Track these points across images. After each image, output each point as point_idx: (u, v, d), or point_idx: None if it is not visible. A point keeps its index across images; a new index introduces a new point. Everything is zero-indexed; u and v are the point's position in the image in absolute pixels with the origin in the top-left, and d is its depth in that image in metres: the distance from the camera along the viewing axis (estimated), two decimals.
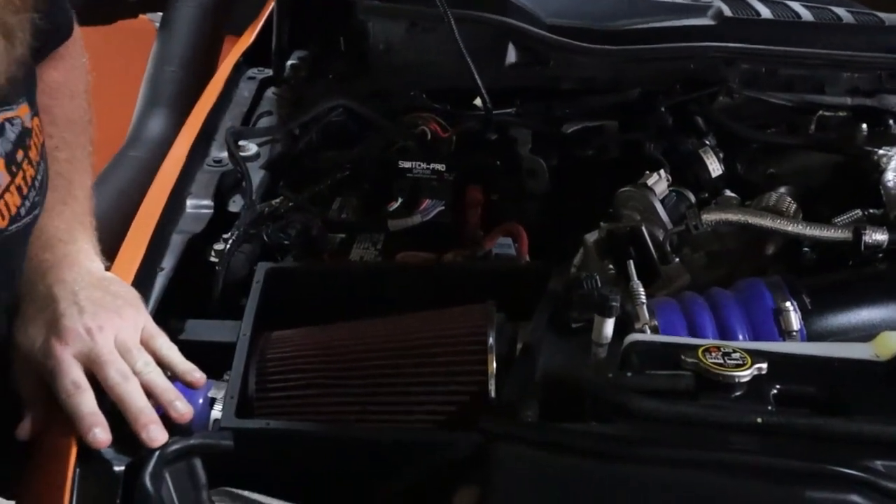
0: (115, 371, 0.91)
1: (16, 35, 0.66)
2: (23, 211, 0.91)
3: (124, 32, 2.26)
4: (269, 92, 1.65)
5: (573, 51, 1.59)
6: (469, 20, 1.61)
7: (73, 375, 0.90)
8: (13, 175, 0.89)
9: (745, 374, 0.85)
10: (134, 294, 1.00)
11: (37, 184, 0.93)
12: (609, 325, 0.96)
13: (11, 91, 0.88)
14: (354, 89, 1.63)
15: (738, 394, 0.85)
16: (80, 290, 0.95)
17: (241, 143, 1.45)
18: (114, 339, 0.93)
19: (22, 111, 0.91)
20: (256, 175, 1.40)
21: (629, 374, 0.89)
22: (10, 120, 0.89)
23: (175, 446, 0.86)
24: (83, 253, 1.00)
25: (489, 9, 1.63)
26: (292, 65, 1.75)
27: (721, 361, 0.86)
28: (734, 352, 0.88)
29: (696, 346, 0.89)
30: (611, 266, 1.21)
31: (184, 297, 1.15)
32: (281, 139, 1.50)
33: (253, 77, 1.68)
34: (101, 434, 0.87)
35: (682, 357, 0.87)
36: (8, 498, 0.91)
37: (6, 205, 0.88)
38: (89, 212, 1.07)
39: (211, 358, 1.05)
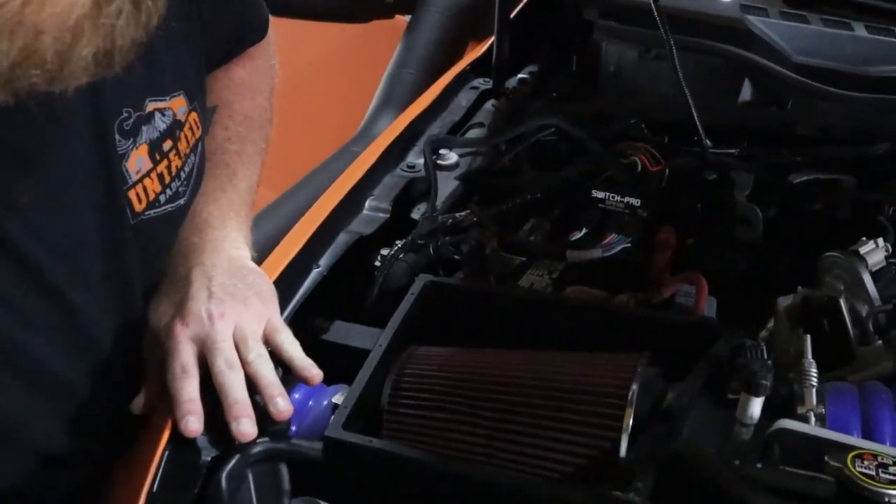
0: (223, 359, 0.90)
1: (145, 2, 0.67)
2: (162, 198, 0.94)
3: (380, 32, 2.32)
4: (489, 104, 1.62)
5: (818, 95, 1.44)
6: (705, 51, 1.51)
7: (184, 359, 0.90)
8: (155, 162, 0.92)
9: None
10: (269, 287, 1.00)
11: (182, 175, 0.96)
12: (755, 405, 0.84)
13: (167, 83, 0.92)
14: (575, 110, 1.57)
15: None
16: (214, 276, 0.96)
17: (441, 151, 1.42)
18: (233, 327, 0.93)
19: (176, 104, 0.94)
20: (450, 185, 1.37)
21: (759, 465, 0.77)
22: (161, 110, 0.92)
23: (259, 448, 0.84)
24: (229, 240, 1.01)
25: (730, 41, 1.52)
26: (520, 79, 1.71)
27: (872, 473, 0.73)
28: (894, 464, 0.74)
29: (848, 449, 0.75)
30: None
31: (339, 297, 1.14)
32: (484, 152, 1.46)
33: (476, 87, 1.66)
34: (193, 422, 0.86)
35: (826, 458, 0.74)
36: None
37: (144, 189, 0.91)
38: (248, 204, 1.08)
39: (351, 363, 1.03)
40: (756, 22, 1.55)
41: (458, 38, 2.07)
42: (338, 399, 0.99)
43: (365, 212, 1.27)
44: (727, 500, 0.75)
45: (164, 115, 0.92)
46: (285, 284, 1.07)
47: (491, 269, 1.23)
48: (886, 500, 0.71)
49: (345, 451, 0.90)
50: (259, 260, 1.09)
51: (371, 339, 1.06)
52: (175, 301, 0.95)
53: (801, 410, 0.89)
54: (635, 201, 1.27)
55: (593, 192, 1.29)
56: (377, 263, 1.19)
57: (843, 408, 0.89)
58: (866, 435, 0.87)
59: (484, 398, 1.00)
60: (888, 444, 0.85)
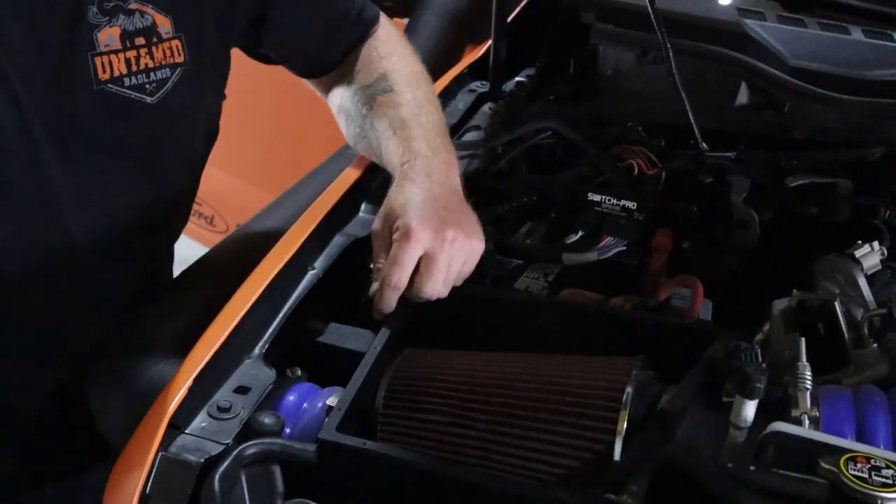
0: (439, 276, 1.06)
1: None
2: (126, 81, 1.12)
3: None
4: (486, 107, 1.62)
5: (814, 99, 1.44)
6: (702, 54, 1.51)
7: (409, 257, 1.05)
8: (125, 48, 1.11)
9: (892, 497, 0.71)
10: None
11: (152, 76, 1.14)
12: (749, 408, 0.84)
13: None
14: (573, 113, 1.57)
15: None
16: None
17: None
18: (453, 262, 1.08)
19: (159, 19, 1.13)
20: None
21: (753, 467, 0.77)
22: (142, 12, 1.12)
23: (253, 449, 0.84)
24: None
25: (728, 44, 1.52)
26: (517, 82, 1.71)
27: (865, 476, 0.73)
28: (887, 467, 0.74)
29: (841, 451, 0.75)
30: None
31: (335, 299, 1.14)
32: (481, 155, 1.46)
33: (473, 90, 1.66)
34: (386, 308, 1.05)
35: (819, 461, 0.74)
36: None
37: (110, 63, 1.10)
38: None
39: (345, 365, 1.03)
40: (753, 25, 1.55)
41: (455, 41, 2.06)
42: (332, 401, 0.99)
43: (361, 214, 1.27)
44: (721, 503, 0.74)
45: (143, 16, 1.12)
46: (281, 286, 1.06)
47: (487, 271, 1.23)
48: (879, 502, 0.71)
49: (338, 454, 0.90)
50: (255, 261, 1.09)
51: (366, 342, 1.07)
52: (420, 198, 1.11)
53: (795, 413, 0.89)
54: (631, 204, 1.27)
55: (590, 194, 1.29)
56: (371, 265, 1.18)
57: (838, 411, 0.89)
58: (860, 438, 0.87)
59: (479, 401, 1.00)
60: (882, 447, 0.85)
